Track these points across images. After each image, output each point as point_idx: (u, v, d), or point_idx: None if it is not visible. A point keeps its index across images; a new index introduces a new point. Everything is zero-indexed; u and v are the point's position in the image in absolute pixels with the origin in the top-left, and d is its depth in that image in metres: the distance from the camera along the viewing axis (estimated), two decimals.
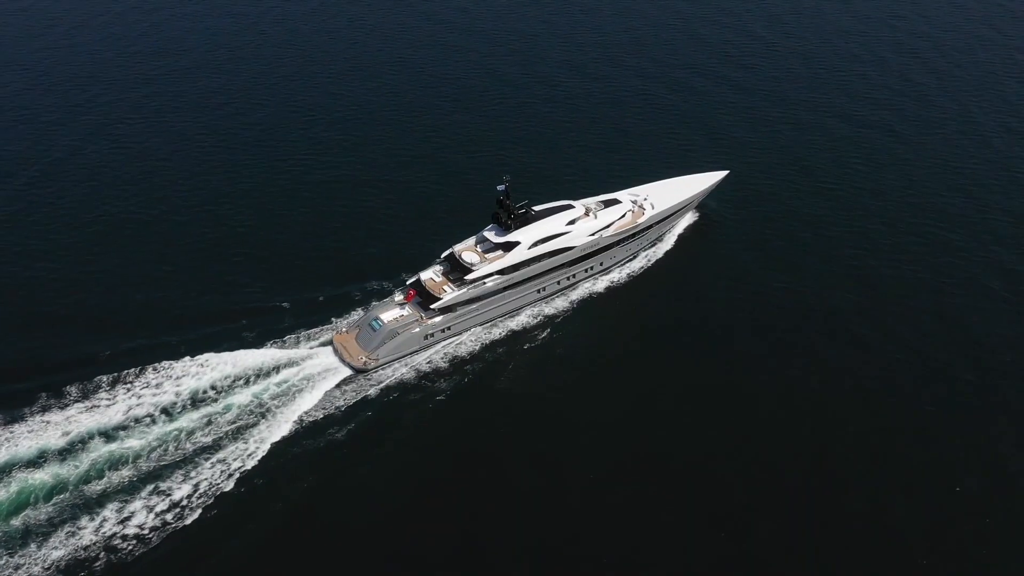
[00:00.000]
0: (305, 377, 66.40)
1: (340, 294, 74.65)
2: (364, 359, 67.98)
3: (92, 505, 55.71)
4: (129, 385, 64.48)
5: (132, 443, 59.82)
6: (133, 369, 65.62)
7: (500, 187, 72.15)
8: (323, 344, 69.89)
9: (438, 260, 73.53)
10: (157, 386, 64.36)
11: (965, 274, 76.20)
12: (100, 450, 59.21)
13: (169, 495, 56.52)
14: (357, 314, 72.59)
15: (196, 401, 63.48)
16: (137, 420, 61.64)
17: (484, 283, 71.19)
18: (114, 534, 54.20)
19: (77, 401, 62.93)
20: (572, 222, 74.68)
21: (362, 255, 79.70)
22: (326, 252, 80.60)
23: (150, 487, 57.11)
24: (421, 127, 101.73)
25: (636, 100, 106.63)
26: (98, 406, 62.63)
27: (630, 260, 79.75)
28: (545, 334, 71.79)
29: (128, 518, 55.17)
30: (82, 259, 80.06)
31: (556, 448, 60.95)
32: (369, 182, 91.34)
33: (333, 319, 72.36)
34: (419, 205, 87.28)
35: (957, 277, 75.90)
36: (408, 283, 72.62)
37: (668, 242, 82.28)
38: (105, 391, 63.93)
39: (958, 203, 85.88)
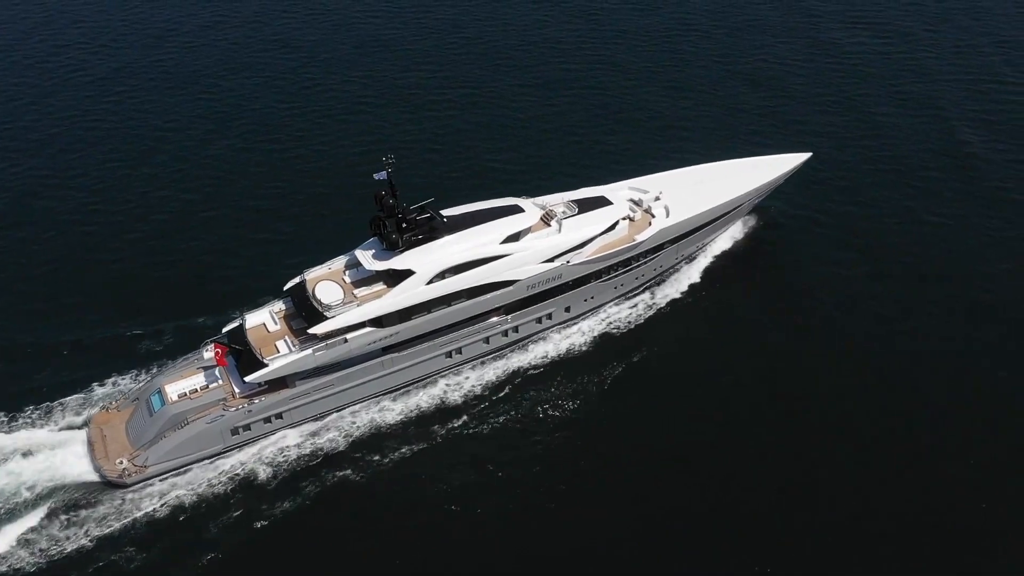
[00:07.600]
0: (11, 493, 38.54)
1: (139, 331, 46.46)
2: (124, 463, 39.32)
3: None
4: None
5: None
6: None
7: (378, 175, 41.31)
8: (72, 427, 41.99)
9: (282, 295, 43.88)
10: None
11: None
12: None
13: None
14: (147, 375, 44.19)
15: None
16: None
17: (345, 339, 40.90)
18: None
19: None
20: (513, 237, 43.28)
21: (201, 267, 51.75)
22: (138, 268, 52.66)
23: None
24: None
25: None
26: None
27: (622, 300, 47.95)
28: (452, 429, 41.58)
29: None
30: None
31: None
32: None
33: (109, 378, 44.14)
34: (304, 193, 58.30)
35: None
36: (224, 331, 43.06)
37: (693, 272, 49.82)
38: None
39: None
